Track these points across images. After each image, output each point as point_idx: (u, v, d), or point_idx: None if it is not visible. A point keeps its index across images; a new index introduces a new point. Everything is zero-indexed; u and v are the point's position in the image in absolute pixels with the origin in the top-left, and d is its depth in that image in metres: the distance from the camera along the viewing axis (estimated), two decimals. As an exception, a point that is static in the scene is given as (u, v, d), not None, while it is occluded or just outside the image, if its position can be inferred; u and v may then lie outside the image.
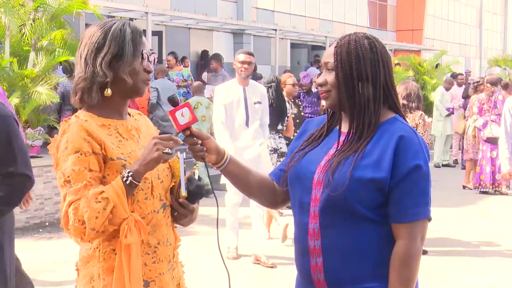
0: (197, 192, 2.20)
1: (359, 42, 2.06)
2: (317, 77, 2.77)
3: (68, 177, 2.06)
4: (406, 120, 2.12)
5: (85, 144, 2.08)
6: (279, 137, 7.21)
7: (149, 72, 2.22)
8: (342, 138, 2.09)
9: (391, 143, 2.00)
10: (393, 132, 2.03)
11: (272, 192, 2.28)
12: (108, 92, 2.15)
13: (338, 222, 2.02)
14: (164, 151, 2.07)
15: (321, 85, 2.12)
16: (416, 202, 2.00)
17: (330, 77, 2.09)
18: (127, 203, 2.06)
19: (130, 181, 2.05)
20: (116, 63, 2.14)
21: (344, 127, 2.11)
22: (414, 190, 1.99)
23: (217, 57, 13.80)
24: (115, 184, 2.04)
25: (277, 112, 7.04)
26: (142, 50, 2.18)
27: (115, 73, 2.14)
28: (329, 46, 2.15)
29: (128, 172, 2.05)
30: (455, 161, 13.69)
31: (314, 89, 11.26)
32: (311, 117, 10.79)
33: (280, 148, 7.16)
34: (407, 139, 2.01)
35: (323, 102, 10.99)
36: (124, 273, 2.09)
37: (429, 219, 2.04)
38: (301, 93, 11.66)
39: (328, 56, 2.10)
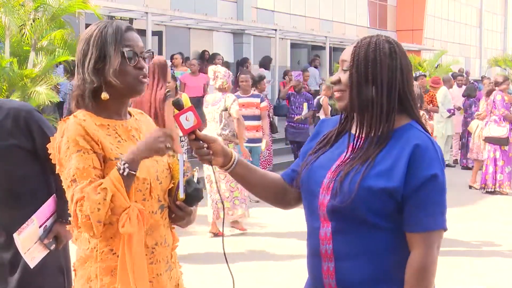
0: (195, 195, 2.20)
1: (379, 45, 1.99)
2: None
3: (74, 175, 2.06)
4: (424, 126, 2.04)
5: (86, 142, 2.08)
6: None
7: (140, 68, 2.19)
8: (354, 142, 2.03)
9: (405, 151, 1.94)
10: (408, 140, 1.96)
11: (282, 193, 2.23)
12: (105, 95, 2.15)
13: (349, 228, 1.97)
14: (167, 146, 2.10)
15: (334, 83, 2.07)
16: (431, 212, 1.95)
17: (344, 76, 2.03)
18: (126, 193, 2.05)
19: (127, 172, 2.04)
20: (101, 67, 2.14)
21: (357, 130, 2.04)
22: (429, 200, 1.94)
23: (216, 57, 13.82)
24: (111, 175, 2.04)
25: None
26: (123, 48, 2.15)
27: (103, 77, 2.14)
28: (349, 45, 2.08)
29: (124, 164, 2.05)
30: (455, 161, 13.68)
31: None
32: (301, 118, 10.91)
33: None
34: (422, 147, 1.94)
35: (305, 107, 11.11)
36: (128, 271, 2.07)
37: (445, 230, 1.98)
38: (291, 94, 11.73)
39: (346, 55, 2.05)
